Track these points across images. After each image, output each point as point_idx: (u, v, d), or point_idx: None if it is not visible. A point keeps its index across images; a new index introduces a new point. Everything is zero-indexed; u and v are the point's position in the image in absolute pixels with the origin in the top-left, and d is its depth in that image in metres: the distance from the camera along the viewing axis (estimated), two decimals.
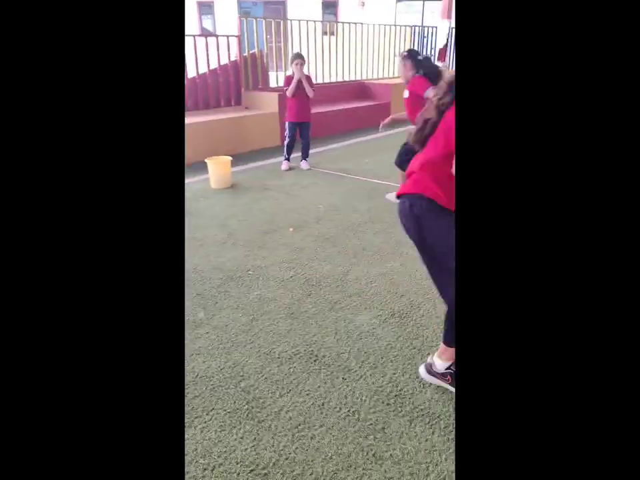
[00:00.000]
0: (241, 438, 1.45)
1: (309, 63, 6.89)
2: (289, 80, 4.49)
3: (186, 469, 1.34)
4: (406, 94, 3.35)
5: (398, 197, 1.53)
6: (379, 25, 7.98)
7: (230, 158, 4.24)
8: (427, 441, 1.42)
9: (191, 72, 5.55)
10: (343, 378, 1.70)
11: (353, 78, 7.74)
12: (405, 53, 3.45)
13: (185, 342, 1.92)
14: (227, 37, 5.79)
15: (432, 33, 9.18)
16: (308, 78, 4.51)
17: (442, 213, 1.40)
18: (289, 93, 4.44)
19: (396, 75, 8.58)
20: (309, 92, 4.43)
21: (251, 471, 1.34)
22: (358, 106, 6.94)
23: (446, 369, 1.62)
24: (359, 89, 7.61)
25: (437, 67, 3.44)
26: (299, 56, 4.48)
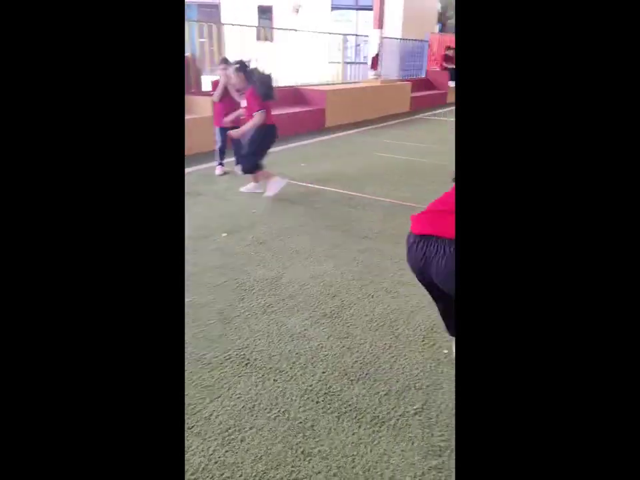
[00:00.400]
0: None
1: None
2: (215, 85, 4.48)
3: None
4: (244, 103, 3.84)
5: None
6: (314, 32, 8.12)
7: None
8: (353, 434, 1.48)
9: None
10: (274, 380, 1.73)
11: (287, 84, 7.81)
12: (237, 65, 3.70)
13: None
14: None
15: (364, 41, 9.47)
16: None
17: None
18: (214, 98, 4.45)
19: (330, 80, 8.78)
20: (236, 97, 4.43)
21: None
22: (292, 111, 7.01)
23: None
24: (294, 95, 7.68)
25: (268, 77, 3.67)
26: (224, 61, 4.47)
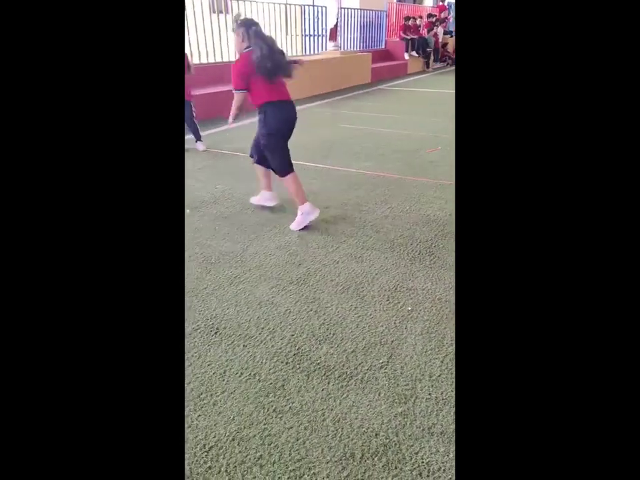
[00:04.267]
0: None
1: (197, 42, 6.65)
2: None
3: None
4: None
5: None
6: (270, 2, 7.91)
7: None
8: (322, 390, 1.54)
9: None
10: (243, 345, 1.76)
11: None
12: (239, 21, 2.71)
13: None
14: None
15: (322, 12, 9.31)
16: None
17: None
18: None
19: (289, 54, 8.61)
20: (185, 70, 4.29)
21: None
22: None
23: None
24: None
25: (276, 50, 2.69)
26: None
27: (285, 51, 2.80)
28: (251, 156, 2.98)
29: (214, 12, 7.29)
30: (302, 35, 9.12)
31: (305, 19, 8.94)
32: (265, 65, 2.55)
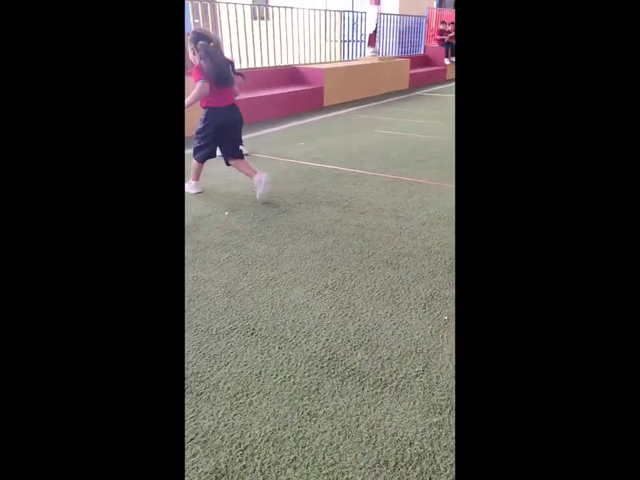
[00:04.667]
0: None
1: (238, 48, 6.80)
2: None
3: None
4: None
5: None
6: (310, 9, 8.00)
7: None
8: (357, 396, 1.54)
9: None
10: (279, 347, 1.78)
11: (284, 63, 7.74)
12: (190, 35, 3.08)
13: None
14: None
15: (361, 18, 9.33)
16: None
17: None
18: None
19: (328, 59, 8.68)
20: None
21: (191, 439, 1.38)
22: (290, 91, 6.96)
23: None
24: (291, 74, 7.62)
25: (225, 60, 3.14)
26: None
27: (233, 62, 3.28)
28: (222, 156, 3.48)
29: (255, 18, 7.43)
30: (341, 41, 9.17)
31: (344, 24, 8.99)
32: (209, 76, 3.03)
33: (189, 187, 3.54)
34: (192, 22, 6.13)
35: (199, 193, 3.53)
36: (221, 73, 3.07)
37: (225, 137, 3.33)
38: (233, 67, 3.22)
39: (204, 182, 3.76)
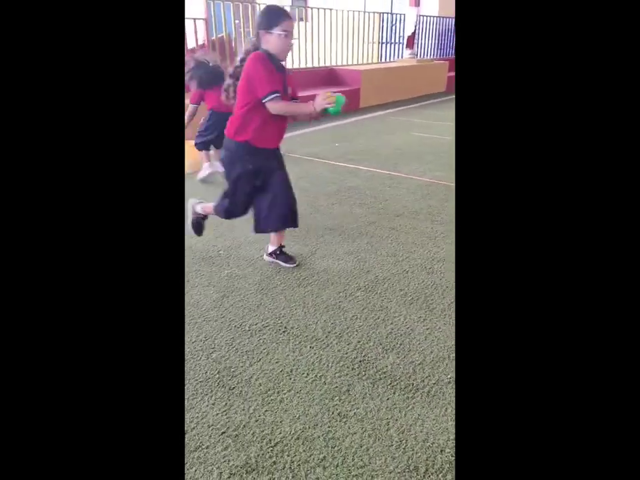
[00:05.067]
0: (212, 404, 1.51)
1: None
2: None
3: None
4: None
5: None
6: (349, 10, 8.00)
7: None
8: (388, 399, 1.52)
9: None
10: (310, 347, 1.78)
11: (322, 64, 7.76)
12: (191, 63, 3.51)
13: None
14: (194, 19, 5.71)
15: (400, 20, 9.26)
16: None
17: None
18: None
19: (365, 61, 8.66)
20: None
21: (222, 433, 1.41)
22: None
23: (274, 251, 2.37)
24: (329, 75, 7.64)
25: (207, 65, 3.54)
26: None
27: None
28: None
29: (294, 19, 7.49)
30: (379, 43, 9.13)
31: (382, 26, 8.94)
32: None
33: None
34: (233, 22, 6.24)
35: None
36: (210, 74, 3.46)
37: None
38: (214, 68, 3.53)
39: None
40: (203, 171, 3.91)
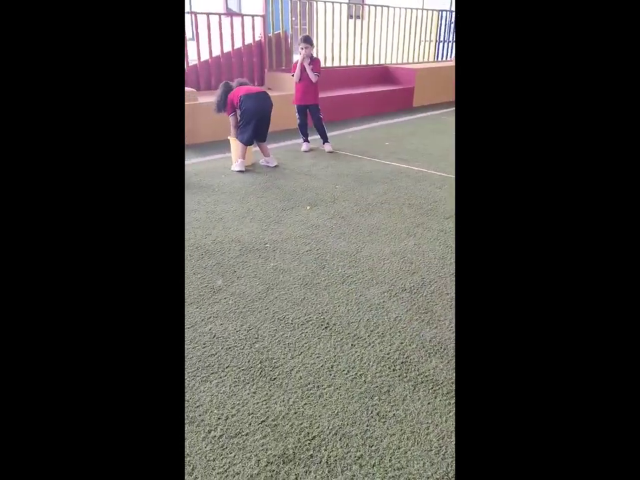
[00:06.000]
0: (254, 393, 1.54)
1: (332, 46, 6.88)
2: (295, 66, 4.56)
3: (201, 418, 1.44)
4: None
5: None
6: (407, 8, 7.88)
7: None
8: (429, 404, 1.50)
9: (215, 51, 5.61)
10: (352, 344, 1.78)
11: (377, 62, 7.70)
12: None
13: (203, 307, 2.02)
14: (252, 16, 5.82)
15: None
16: (316, 61, 4.52)
17: None
18: (295, 78, 4.54)
19: (420, 59, 8.51)
20: (312, 77, 4.46)
21: (262, 422, 1.43)
22: (380, 90, 6.92)
23: None
24: (383, 73, 7.57)
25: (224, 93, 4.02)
26: (304, 40, 4.50)
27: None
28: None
29: (350, 17, 7.46)
30: (436, 41, 8.94)
31: (440, 24, 8.74)
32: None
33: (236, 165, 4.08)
34: (289, 19, 6.30)
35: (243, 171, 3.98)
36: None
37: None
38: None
39: (288, 174, 3.86)
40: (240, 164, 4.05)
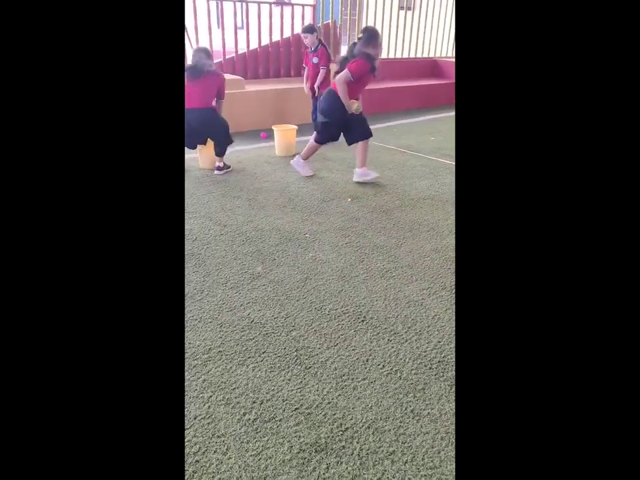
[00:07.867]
0: (289, 380, 1.56)
1: (382, 38, 6.78)
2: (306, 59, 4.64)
3: (236, 400, 1.47)
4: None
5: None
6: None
7: (296, 127, 4.32)
8: None
9: (264, 40, 5.64)
10: (388, 339, 1.77)
11: (425, 55, 7.54)
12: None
13: (243, 292, 2.05)
14: (302, 6, 5.80)
15: None
16: (322, 52, 4.48)
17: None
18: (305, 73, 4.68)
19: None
20: (321, 73, 4.54)
21: (295, 409, 1.45)
22: (427, 83, 6.78)
23: None
24: (430, 67, 7.41)
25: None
26: (303, 29, 4.48)
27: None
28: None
29: (401, 8, 7.33)
30: None
31: None
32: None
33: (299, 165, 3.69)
34: (339, 9, 6.26)
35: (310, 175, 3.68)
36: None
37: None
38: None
39: (330, 165, 3.85)
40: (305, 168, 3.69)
